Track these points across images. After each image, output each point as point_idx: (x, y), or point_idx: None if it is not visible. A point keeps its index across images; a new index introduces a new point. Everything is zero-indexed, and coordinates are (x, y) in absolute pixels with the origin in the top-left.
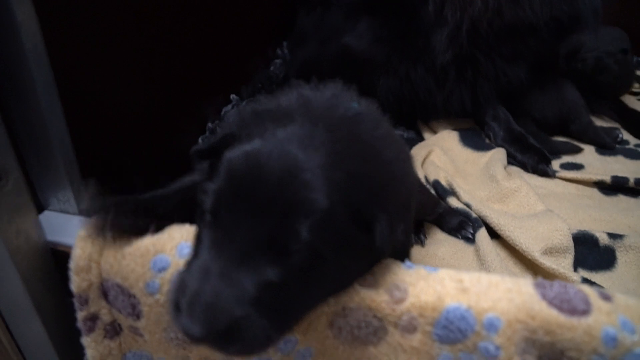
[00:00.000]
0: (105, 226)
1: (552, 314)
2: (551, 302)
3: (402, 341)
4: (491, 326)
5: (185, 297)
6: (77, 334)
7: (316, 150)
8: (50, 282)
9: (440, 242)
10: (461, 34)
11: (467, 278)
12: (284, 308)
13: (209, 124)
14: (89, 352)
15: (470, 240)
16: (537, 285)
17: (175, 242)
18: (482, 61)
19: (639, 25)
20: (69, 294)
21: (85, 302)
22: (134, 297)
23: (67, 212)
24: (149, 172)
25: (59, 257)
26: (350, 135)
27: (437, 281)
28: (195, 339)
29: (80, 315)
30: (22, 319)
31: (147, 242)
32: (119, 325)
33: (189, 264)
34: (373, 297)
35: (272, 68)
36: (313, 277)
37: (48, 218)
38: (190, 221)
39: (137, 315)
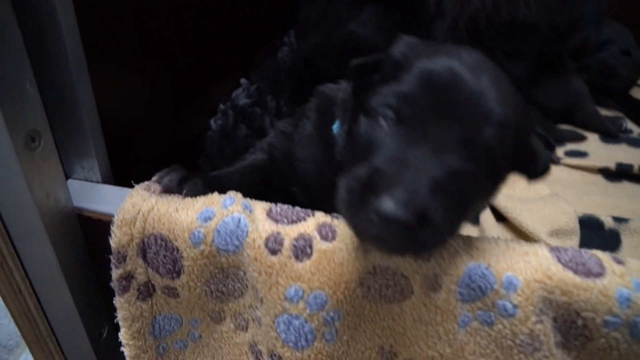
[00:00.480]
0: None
1: (568, 276)
2: (566, 265)
3: (427, 301)
4: (510, 285)
5: (383, 179)
6: (100, 300)
7: (494, 76)
8: (76, 247)
9: None
10: (459, 28)
11: (486, 241)
12: (460, 208)
13: (221, 106)
14: (121, 314)
15: (475, 221)
16: (553, 250)
17: (222, 197)
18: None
19: None
20: (93, 260)
21: (122, 259)
22: (177, 250)
23: (91, 181)
24: (165, 146)
25: (83, 222)
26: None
27: (458, 243)
28: (391, 219)
29: (116, 274)
30: (49, 282)
31: (200, 200)
32: (153, 286)
33: (371, 158)
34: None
35: (279, 55)
36: (482, 183)
37: (73, 186)
38: (253, 196)
39: (178, 272)
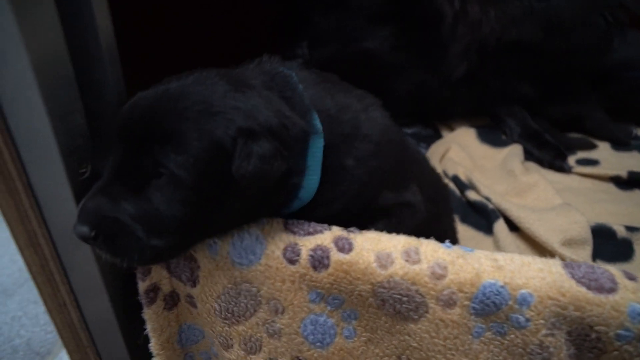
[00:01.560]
0: None
1: (581, 291)
2: (579, 281)
3: (443, 316)
4: (524, 301)
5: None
6: (138, 310)
7: (172, 93)
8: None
9: (460, 234)
10: (472, 51)
11: (501, 257)
12: (158, 223)
13: None
14: (150, 325)
15: (489, 231)
16: (566, 266)
17: None
18: (491, 77)
19: None
20: (130, 274)
21: (148, 272)
22: (195, 261)
23: None
24: None
25: None
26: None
27: (475, 260)
28: (84, 237)
29: (142, 287)
30: (92, 296)
31: None
32: (177, 295)
33: None
34: (417, 272)
35: None
36: (177, 197)
37: None
38: None
39: (194, 282)
